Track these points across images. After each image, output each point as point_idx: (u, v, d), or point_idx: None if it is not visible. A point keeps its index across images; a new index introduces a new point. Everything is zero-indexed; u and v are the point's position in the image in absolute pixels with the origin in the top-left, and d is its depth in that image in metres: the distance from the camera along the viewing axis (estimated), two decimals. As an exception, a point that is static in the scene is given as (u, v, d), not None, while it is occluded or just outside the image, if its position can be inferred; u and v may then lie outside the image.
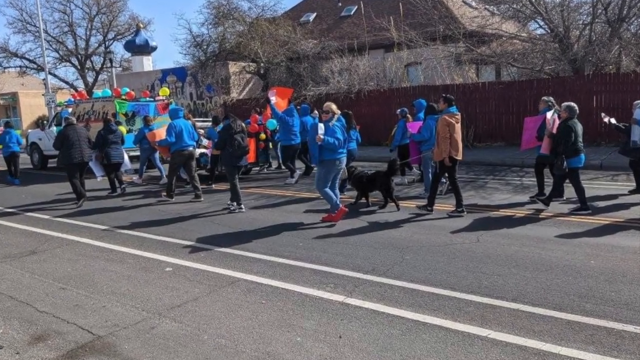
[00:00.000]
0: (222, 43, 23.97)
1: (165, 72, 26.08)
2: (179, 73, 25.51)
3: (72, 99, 16.35)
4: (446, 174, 8.04)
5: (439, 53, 17.65)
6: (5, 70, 34.16)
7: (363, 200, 8.65)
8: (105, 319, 4.41)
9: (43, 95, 26.38)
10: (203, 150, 11.84)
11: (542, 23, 16.19)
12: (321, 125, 7.11)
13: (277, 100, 11.84)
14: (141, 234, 7.35)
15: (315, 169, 8.92)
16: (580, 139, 7.48)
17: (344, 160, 7.54)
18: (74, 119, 10.49)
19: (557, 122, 7.70)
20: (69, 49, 33.98)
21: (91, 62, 35.10)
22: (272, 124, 12.32)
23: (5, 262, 6.24)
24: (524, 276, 4.99)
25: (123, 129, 12.78)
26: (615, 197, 8.51)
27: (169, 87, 22.23)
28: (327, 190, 7.39)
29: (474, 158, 13.37)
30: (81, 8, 33.69)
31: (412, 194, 9.64)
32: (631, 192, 8.63)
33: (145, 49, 30.96)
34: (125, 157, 11.30)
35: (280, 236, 6.91)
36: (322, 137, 6.98)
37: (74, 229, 7.90)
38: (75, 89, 31.46)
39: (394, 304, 4.46)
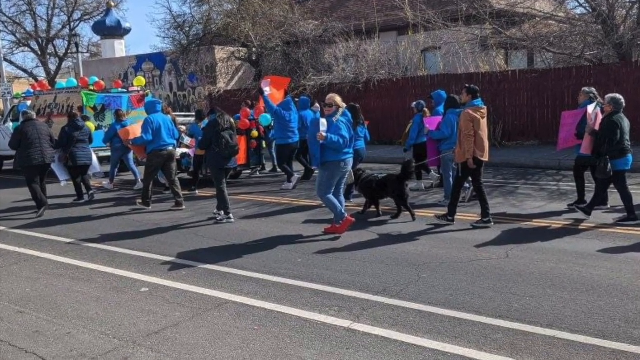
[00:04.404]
0: (207, 24, 24.02)
1: (141, 59, 26.17)
2: (157, 59, 25.59)
3: (32, 90, 16.44)
4: (470, 178, 8.07)
5: (462, 36, 17.68)
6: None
7: (372, 208, 8.67)
8: (70, 348, 4.43)
9: (-3, 85, 26.48)
10: (185, 150, 11.88)
11: (582, 1, 16.23)
12: (323, 121, 7.13)
13: (272, 91, 11.87)
14: (112, 249, 7.37)
15: (316, 172, 8.95)
16: (627, 137, 7.49)
17: (350, 162, 7.56)
18: (33, 114, 10.53)
19: (600, 117, 7.72)
20: (28, 31, 34.08)
21: (54, 46, 35.23)
22: (266, 119, 12.36)
23: (-47, 281, 6.26)
24: (561, 298, 5.00)
25: (91, 125, 12.82)
26: (668, 205, 8.51)
27: (145, 76, 22.30)
28: (331, 197, 7.40)
29: (502, 159, 13.39)
30: (42, -17, 33.96)
31: (430, 201, 9.66)
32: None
33: (117, 31, 31.03)
34: (94, 158, 11.33)
35: (276, 251, 6.93)
36: (324, 134, 7.00)
37: (34, 242, 7.93)
38: (35, 79, 31.62)
39: (408, 331, 4.47)
